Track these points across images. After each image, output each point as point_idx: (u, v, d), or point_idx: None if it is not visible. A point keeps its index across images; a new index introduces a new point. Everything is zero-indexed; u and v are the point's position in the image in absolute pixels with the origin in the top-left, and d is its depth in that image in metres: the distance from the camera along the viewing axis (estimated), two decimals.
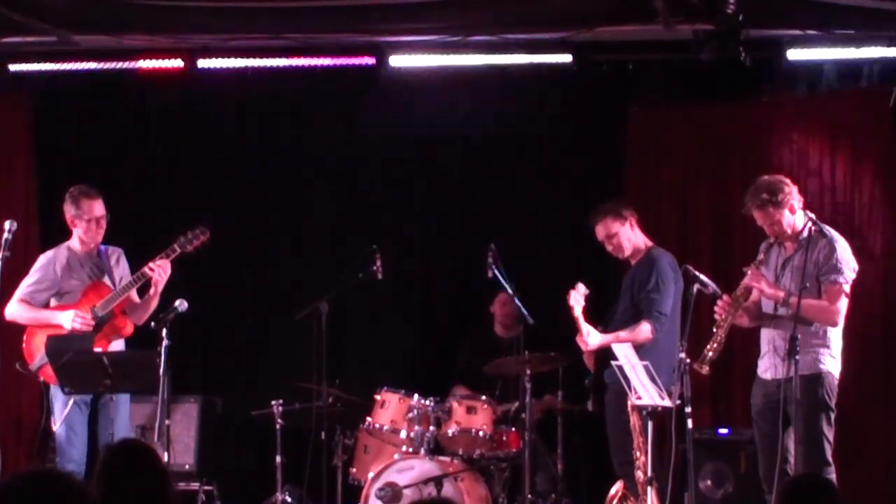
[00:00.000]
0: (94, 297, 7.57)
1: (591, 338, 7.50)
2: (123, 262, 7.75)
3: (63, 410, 7.38)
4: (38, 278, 7.69)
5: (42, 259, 7.77)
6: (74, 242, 7.70)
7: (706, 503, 8.19)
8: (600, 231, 7.82)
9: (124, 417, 7.46)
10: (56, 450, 7.47)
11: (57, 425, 7.40)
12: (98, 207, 7.62)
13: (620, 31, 8.93)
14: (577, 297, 7.52)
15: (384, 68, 9.26)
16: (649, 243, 7.85)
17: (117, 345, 7.62)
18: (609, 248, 7.85)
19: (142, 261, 7.61)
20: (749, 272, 6.98)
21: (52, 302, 7.68)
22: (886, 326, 8.87)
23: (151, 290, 7.51)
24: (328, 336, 8.31)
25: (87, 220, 7.60)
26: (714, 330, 6.95)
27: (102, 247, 7.72)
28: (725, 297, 6.98)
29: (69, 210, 7.65)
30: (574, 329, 7.59)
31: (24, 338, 7.64)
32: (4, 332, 8.14)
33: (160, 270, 7.44)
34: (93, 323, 7.46)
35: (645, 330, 7.52)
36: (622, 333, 7.50)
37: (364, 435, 8.40)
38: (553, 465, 8.47)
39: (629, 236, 7.79)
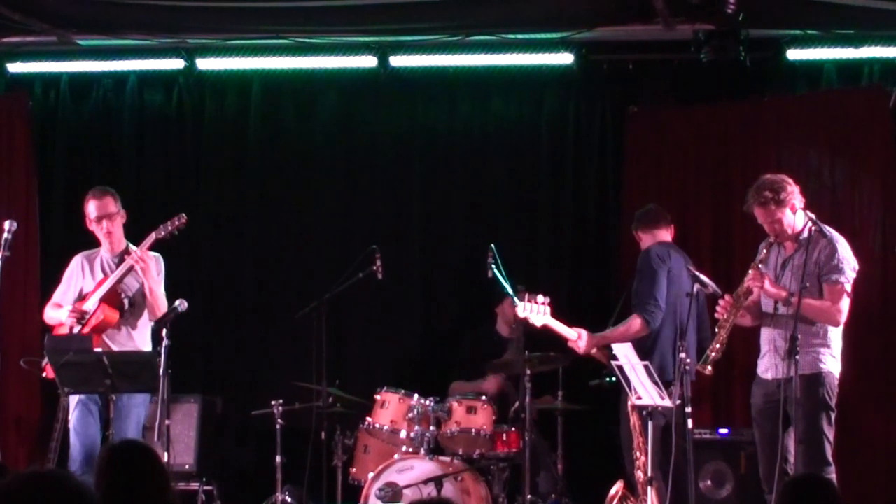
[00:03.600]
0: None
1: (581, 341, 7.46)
2: (154, 266, 7.63)
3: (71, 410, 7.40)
4: (66, 279, 7.78)
5: (73, 261, 7.82)
6: (104, 243, 7.74)
7: (706, 503, 8.19)
8: None
9: (133, 419, 7.42)
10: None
11: (71, 424, 7.41)
12: (93, 208, 7.63)
13: (620, 31, 8.94)
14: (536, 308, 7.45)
15: (384, 68, 9.27)
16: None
17: (143, 343, 7.61)
18: None
19: None
20: (750, 272, 6.98)
21: None
22: (886, 326, 8.86)
23: (144, 285, 7.51)
24: (328, 336, 8.31)
25: (90, 220, 7.65)
26: (716, 330, 6.95)
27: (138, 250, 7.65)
28: (727, 297, 6.98)
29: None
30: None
31: None
32: (5, 332, 8.14)
33: (135, 256, 7.44)
34: (79, 314, 7.48)
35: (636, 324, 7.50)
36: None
37: (364, 435, 8.39)
38: (553, 465, 8.46)
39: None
